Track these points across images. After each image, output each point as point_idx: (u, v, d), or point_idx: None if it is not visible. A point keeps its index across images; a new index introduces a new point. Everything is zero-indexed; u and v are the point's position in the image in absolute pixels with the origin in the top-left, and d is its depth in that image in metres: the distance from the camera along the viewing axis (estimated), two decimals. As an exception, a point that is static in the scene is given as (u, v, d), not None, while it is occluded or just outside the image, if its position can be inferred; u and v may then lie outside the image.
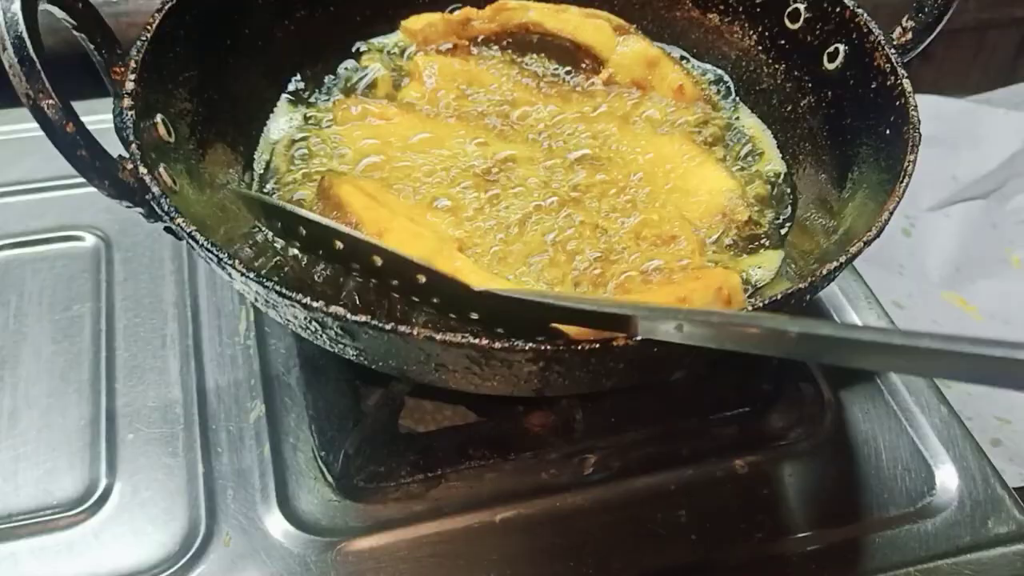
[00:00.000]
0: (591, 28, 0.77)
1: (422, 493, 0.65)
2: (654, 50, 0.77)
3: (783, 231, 0.68)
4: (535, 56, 0.79)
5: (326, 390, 0.69)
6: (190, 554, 0.61)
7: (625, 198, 0.67)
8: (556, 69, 0.78)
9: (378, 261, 0.48)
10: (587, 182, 0.68)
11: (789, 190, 0.71)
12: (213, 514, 0.63)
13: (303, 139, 0.71)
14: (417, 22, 0.78)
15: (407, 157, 0.69)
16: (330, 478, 0.65)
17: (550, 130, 0.72)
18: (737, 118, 0.76)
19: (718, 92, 0.78)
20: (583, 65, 0.78)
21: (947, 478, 0.67)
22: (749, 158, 0.73)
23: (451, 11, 0.80)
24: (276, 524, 0.63)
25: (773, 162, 0.73)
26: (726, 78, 0.79)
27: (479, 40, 0.79)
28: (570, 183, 0.68)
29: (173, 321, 0.75)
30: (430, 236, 0.60)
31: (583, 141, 0.72)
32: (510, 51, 0.80)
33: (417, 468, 0.65)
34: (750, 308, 0.50)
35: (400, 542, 0.62)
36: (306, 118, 0.73)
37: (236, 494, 0.64)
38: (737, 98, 0.78)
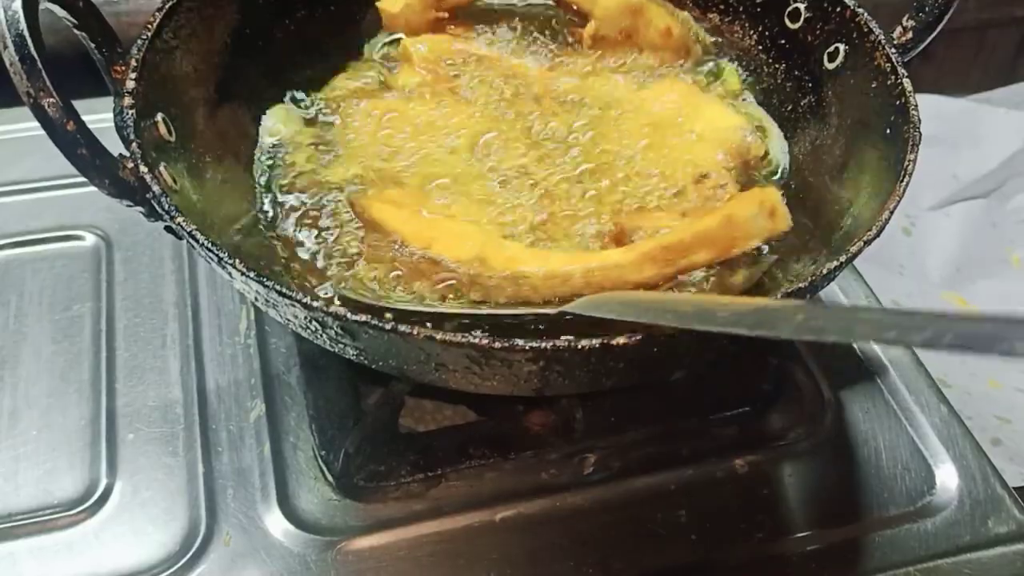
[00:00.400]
0: None
1: (422, 492, 0.65)
2: None
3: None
4: (519, 25, 0.79)
5: (326, 389, 0.69)
6: (190, 554, 0.61)
7: (642, 148, 0.68)
8: (543, 34, 0.78)
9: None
10: (600, 140, 0.69)
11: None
12: (213, 514, 0.63)
13: (305, 141, 0.71)
14: (395, 4, 0.76)
15: (416, 149, 0.69)
16: (330, 477, 0.65)
17: (551, 94, 0.72)
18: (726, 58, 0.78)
19: (708, 30, 0.79)
20: (568, 23, 0.78)
21: (947, 478, 0.67)
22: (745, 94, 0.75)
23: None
24: (276, 523, 0.63)
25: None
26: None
27: (459, 16, 0.78)
28: (585, 142, 0.69)
29: (173, 321, 0.75)
30: (474, 232, 0.61)
31: (585, 101, 0.72)
32: (494, 24, 0.79)
33: (417, 467, 0.65)
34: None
35: (400, 541, 0.62)
36: (307, 120, 0.73)
37: (236, 493, 0.64)
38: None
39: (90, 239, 0.80)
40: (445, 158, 0.68)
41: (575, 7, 0.77)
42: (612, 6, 0.75)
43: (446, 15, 0.78)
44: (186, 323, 0.74)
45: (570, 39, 0.77)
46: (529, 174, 0.67)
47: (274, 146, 0.70)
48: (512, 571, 0.61)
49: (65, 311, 0.75)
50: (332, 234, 0.64)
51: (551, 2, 0.79)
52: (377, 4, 0.77)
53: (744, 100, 0.75)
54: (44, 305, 0.75)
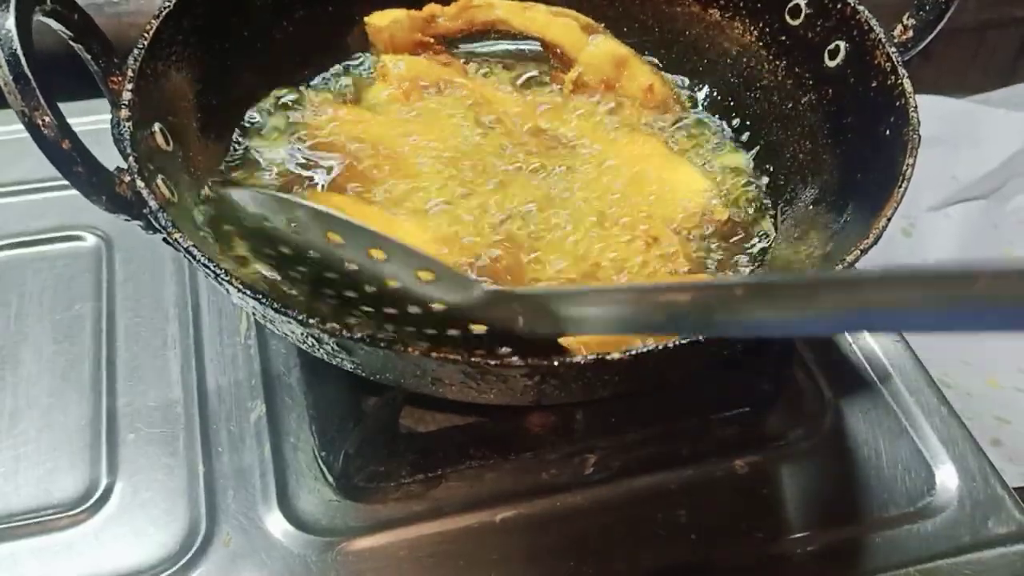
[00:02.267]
0: (559, 26, 0.77)
1: (422, 493, 0.65)
2: (623, 49, 0.76)
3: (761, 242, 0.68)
4: (501, 62, 0.79)
5: (327, 390, 0.68)
6: (190, 554, 0.61)
7: (603, 200, 0.67)
8: (524, 70, 0.78)
9: (379, 255, 0.46)
10: (562, 184, 0.68)
11: (764, 193, 0.72)
12: (213, 514, 0.63)
13: (287, 141, 0.71)
14: (382, 18, 0.76)
15: (382, 161, 0.68)
16: (330, 478, 0.65)
17: (522, 131, 0.72)
18: (707, 119, 0.77)
19: (689, 94, 0.79)
20: (552, 65, 0.78)
21: (947, 478, 0.67)
22: (722, 154, 0.74)
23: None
24: (276, 524, 0.63)
25: (744, 161, 0.74)
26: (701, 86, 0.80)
27: (444, 42, 0.78)
28: (547, 180, 0.68)
29: (174, 321, 0.75)
30: (425, 236, 0.59)
31: (556, 142, 0.71)
32: (476, 58, 0.79)
33: (417, 468, 0.65)
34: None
35: (400, 542, 0.62)
36: (290, 122, 0.73)
37: (236, 494, 0.64)
38: (707, 102, 0.78)
39: (91, 239, 0.80)
40: (406, 172, 0.67)
41: (560, 52, 0.77)
42: (598, 55, 0.75)
43: (431, 40, 0.78)
44: (187, 323, 0.74)
45: (552, 83, 0.77)
46: (476, 205, 0.65)
47: (259, 150, 0.70)
48: (512, 571, 0.61)
49: (66, 311, 0.75)
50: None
51: (537, 45, 0.79)
52: (365, 19, 0.77)
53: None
54: (45, 305, 0.75)
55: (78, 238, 0.81)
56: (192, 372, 0.71)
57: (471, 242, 0.63)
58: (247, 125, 0.72)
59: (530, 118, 0.73)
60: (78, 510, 0.63)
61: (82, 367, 0.71)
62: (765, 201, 0.71)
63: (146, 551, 0.61)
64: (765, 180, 0.72)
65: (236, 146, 0.70)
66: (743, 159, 0.74)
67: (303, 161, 0.69)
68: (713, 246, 0.67)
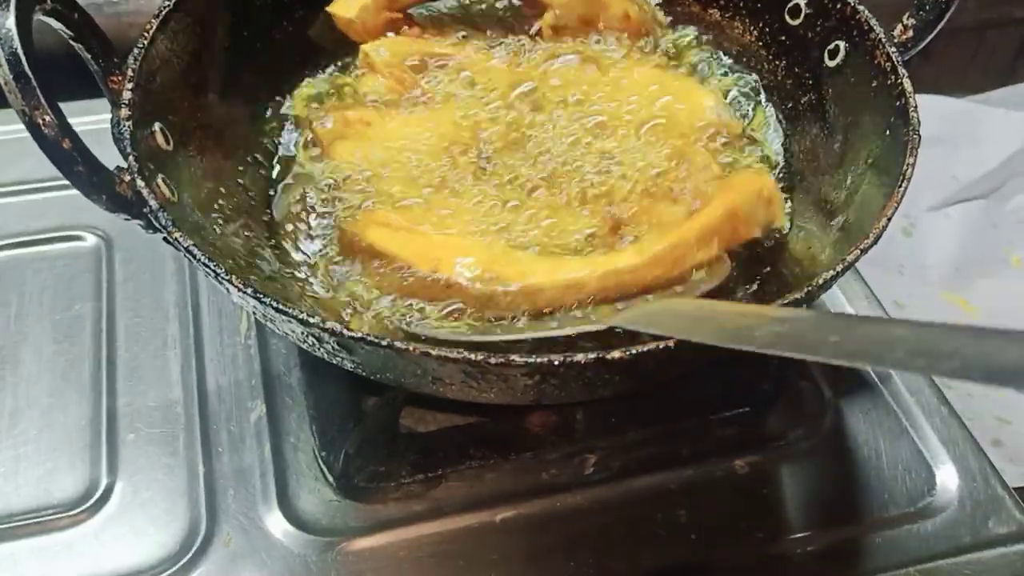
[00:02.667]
0: None
1: (422, 493, 0.65)
2: None
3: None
4: (475, 22, 0.78)
5: (327, 390, 0.69)
6: (190, 554, 0.61)
7: (621, 137, 0.68)
8: (500, 29, 0.77)
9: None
10: (577, 130, 0.68)
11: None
12: (213, 514, 0.63)
13: (298, 155, 0.70)
14: (347, 8, 0.74)
15: (397, 161, 0.68)
16: (331, 478, 0.65)
17: (520, 89, 0.71)
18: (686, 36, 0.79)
19: (666, 15, 0.79)
20: (525, 17, 0.77)
21: (947, 478, 0.67)
22: (723, 71, 0.76)
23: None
24: (276, 524, 0.63)
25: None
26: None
27: (413, 18, 0.77)
28: (562, 134, 0.68)
29: (174, 321, 0.75)
30: (480, 246, 0.60)
31: (556, 91, 0.71)
32: (448, 24, 0.78)
33: (417, 468, 0.65)
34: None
35: (400, 542, 0.62)
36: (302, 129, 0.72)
37: (237, 494, 0.64)
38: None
39: (91, 239, 0.81)
40: (428, 168, 0.67)
41: None
42: None
43: (399, 16, 0.76)
44: (187, 323, 0.74)
45: (529, 31, 0.76)
46: (516, 177, 0.65)
47: (273, 157, 0.70)
48: (512, 572, 0.61)
49: (66, 311, 0.75)
50: (325, 242, 0.64)
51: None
52: (328, 9, 0.75)
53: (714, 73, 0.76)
54: (45, 305, 0.75)
55: (78, 238, 0.81)
56: (192, 372, 0.71)
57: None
58: (264, 142, 0.71)
59: (525, 75, 0.72)
60: (78, 510, 0.63)
61: (82, 367, 0.71)
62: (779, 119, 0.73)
63: (146, 551, 0.61)
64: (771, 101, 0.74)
65: (256, 164, 0.70)
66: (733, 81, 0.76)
67: (325, 191, 0.68)
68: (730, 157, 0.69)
